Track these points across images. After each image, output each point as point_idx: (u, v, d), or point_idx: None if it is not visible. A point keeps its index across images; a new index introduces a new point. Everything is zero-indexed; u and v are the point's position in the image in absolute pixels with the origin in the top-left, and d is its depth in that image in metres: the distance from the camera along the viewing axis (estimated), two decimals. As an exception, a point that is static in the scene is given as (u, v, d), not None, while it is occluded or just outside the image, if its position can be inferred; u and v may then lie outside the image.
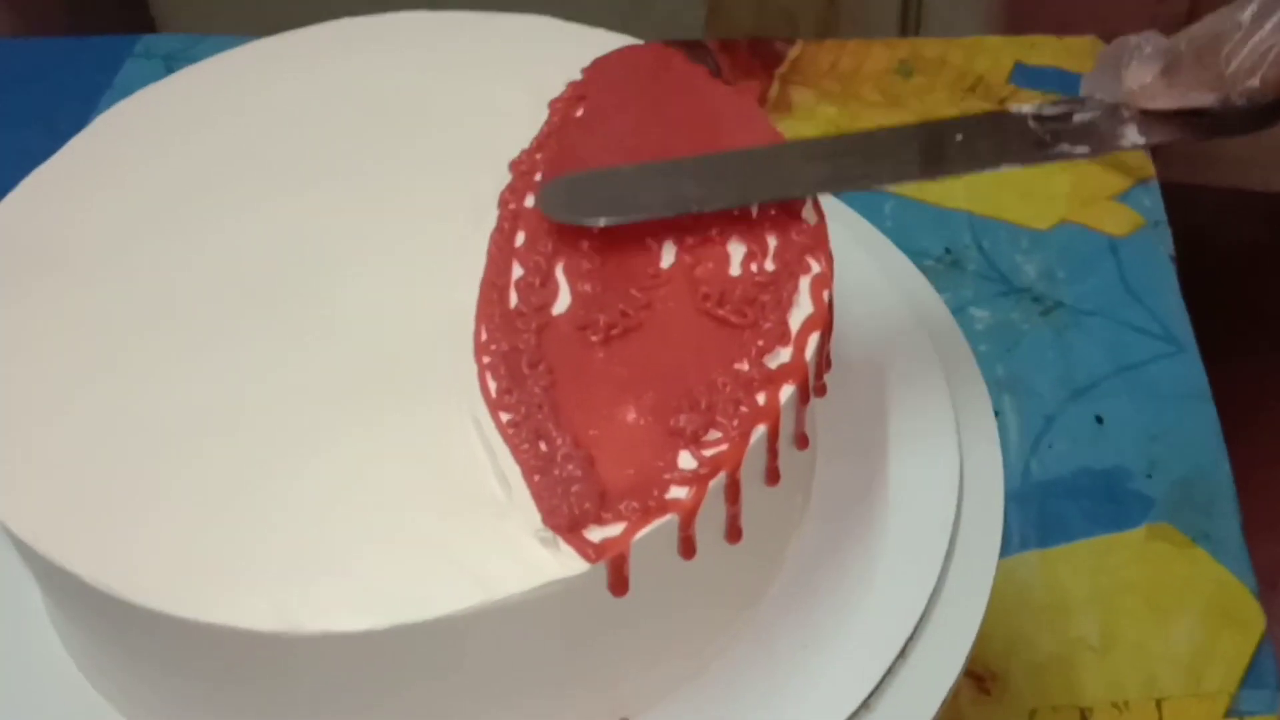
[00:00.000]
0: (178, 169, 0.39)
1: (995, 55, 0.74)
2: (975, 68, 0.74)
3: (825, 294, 0.34)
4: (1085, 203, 0.67)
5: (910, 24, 0.93)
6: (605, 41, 0.41)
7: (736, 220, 0.36)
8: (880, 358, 0.41)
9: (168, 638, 0.30)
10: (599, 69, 0.40)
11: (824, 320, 0.34)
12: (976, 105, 0.72)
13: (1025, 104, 0.37)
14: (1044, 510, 0.56)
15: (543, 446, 0.31)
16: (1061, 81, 0.73)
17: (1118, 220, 0.66)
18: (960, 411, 0.40)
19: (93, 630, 0.33)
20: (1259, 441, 1.34)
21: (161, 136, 0.40)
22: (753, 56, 0.76)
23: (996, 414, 0.59)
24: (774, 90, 0.74)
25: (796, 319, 0.34)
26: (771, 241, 0.35)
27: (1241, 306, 1.47)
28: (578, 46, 0.41)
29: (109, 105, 0.73)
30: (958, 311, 0.63)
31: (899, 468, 0.38)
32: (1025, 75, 0.73)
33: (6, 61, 0.77)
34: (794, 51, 0.76)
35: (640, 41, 0.42)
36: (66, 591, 0.31)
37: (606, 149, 0.38)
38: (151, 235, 0.37)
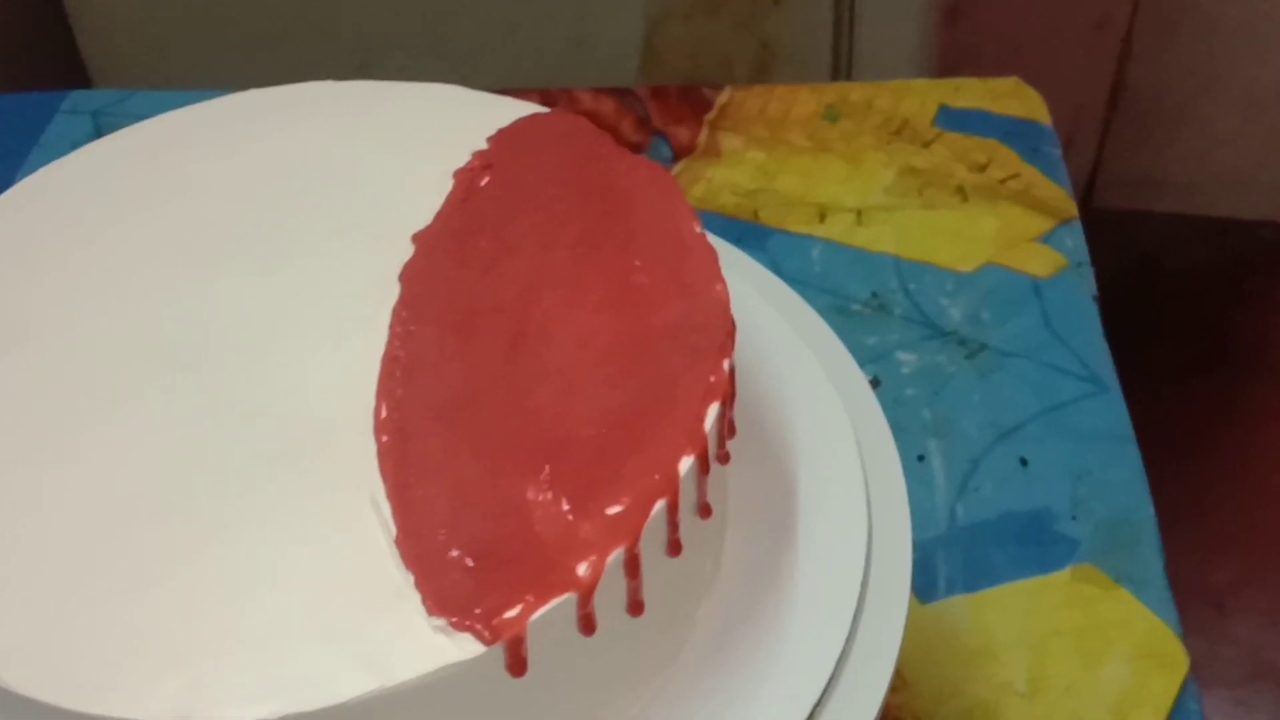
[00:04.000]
0: (82, 245, 0.39)
1: (921, 98, 0.75)
2: (901, 111, 0.74)
3: (725, 363, 0.34)
4: (1009, 244, 0.67)
5: (842, 65, 0.94)
6: (514, 110, 0.42)
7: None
8: (790, 414, 0.41)
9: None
10: (505, 138, 0.41)
11: (724, 390, 0.34)
12: (901, 148, 0.72)
13: None
14: (971, 554, 0.56)
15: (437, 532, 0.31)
16: (984, 124, 0.73)
17: (1041, 261, 0.67)
18: (870, 466, 0.40)
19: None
20: (1213, 459, 1.36)
21: (69, 213, 0.40)
22: (682, 103, 0.76)
23: (922, 458, 0.59)
24: (703, 136, 0.74)
25: (695, 389, 0.34)
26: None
27: (1192, 326, 1.49)
28: (486, 114, 0.41)
29: (37, 163, 0.73)
30: (885, 355, 0.64)
31: (808, 527, 0.38)
32: (950, 118, 0.74)
33: (-68, 120, 0.77)
34: (723, 97, 0.76)
35: (546, 109, 0.43)
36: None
37: (513, 219, 0.38)
38: (56, 311, 0.37)
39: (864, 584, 0.37)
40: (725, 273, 0.37)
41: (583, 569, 0.30)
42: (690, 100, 0.76)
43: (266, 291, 0.37)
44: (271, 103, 0.43)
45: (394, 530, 0.31)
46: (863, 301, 0.66)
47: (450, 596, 0.30)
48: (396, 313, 0.36)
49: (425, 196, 0.39)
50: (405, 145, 0.41)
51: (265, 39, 0.94)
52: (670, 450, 0.32)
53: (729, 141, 0.74)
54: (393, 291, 0.37)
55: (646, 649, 0.35)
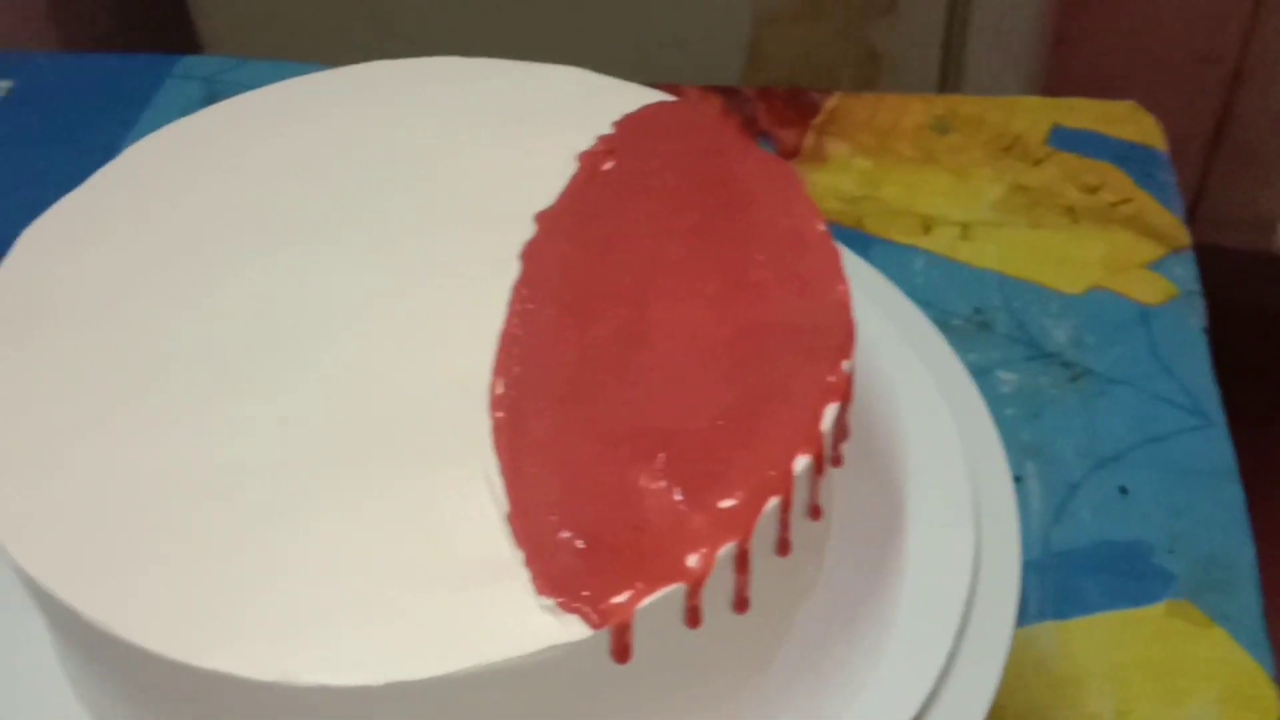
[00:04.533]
0: (193, 214, 0.39)
1: (1033, 116, 0.74)
2: (1012, 127, 0.73)
3: (845, 364, 0.34)
4: (1118, 269, 0.66)
5: (950, 80, 0.93)
6: (638, 95, 0.41)
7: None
8: (899, 424, 0.41)
9: (164, 679, 0.30)
10: (630, 124, 0.40)
11: (843, 391, 0.33)
12: (1011, 165, 0.71)
13: None
14: (1063, 580, 0.55)
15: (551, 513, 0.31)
16: (1098, 146, 0.72)
17: (1150, 289, 0.65)
18: (980, 482, 0.39)
19: (96, 670, 0.33)
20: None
21: (178, 180, 0.40)
22: (789, 106, 0.76)
23: (1019, 480, 0.58)
24: (809, 140, 0.74)
25: (815, 388, 0.33)
26: (793, 306, 0.35)
27: (1275, 372, 1.46)
28: (609, 100, 0.41)
29: (148, 126, 0.74)
30: (985, 373, 0.63)
31: (915, 539, 0.37)
32: (1062, 138, 0.73)
33: (45, 77, 0.78)
34: (831, 102, 0.75)
35: (673, 98, 0.42)
36: (71, 631, 0.31)
37: (634, 206, 0.37)
38: (163, 282, 0.37)
39: (968, 606, 0.36)
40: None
41: (693, 560, 0.30)
42: (798, 103, 0.76)
43: (387, 265, 0.37)
44: (394, 76, 0.43)
45: (506, 507, 0.31)
46: (965, 317, 0.65)
47: (559, 577, 0.30)
48: (517, 290, 0.36)
49: (548, 177, 0.39)
50: (530, 125, 0.40)
51: (377, 16, 0.94)
52: (785, 448, 0.32)
53: (835, 147, 0.73)
54: (513, 269, 0.36)
55: (745, 648, 0.34)
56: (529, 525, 0.31)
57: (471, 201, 0.38)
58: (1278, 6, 1.40)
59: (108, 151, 0.73)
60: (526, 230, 0.37)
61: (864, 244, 0.68)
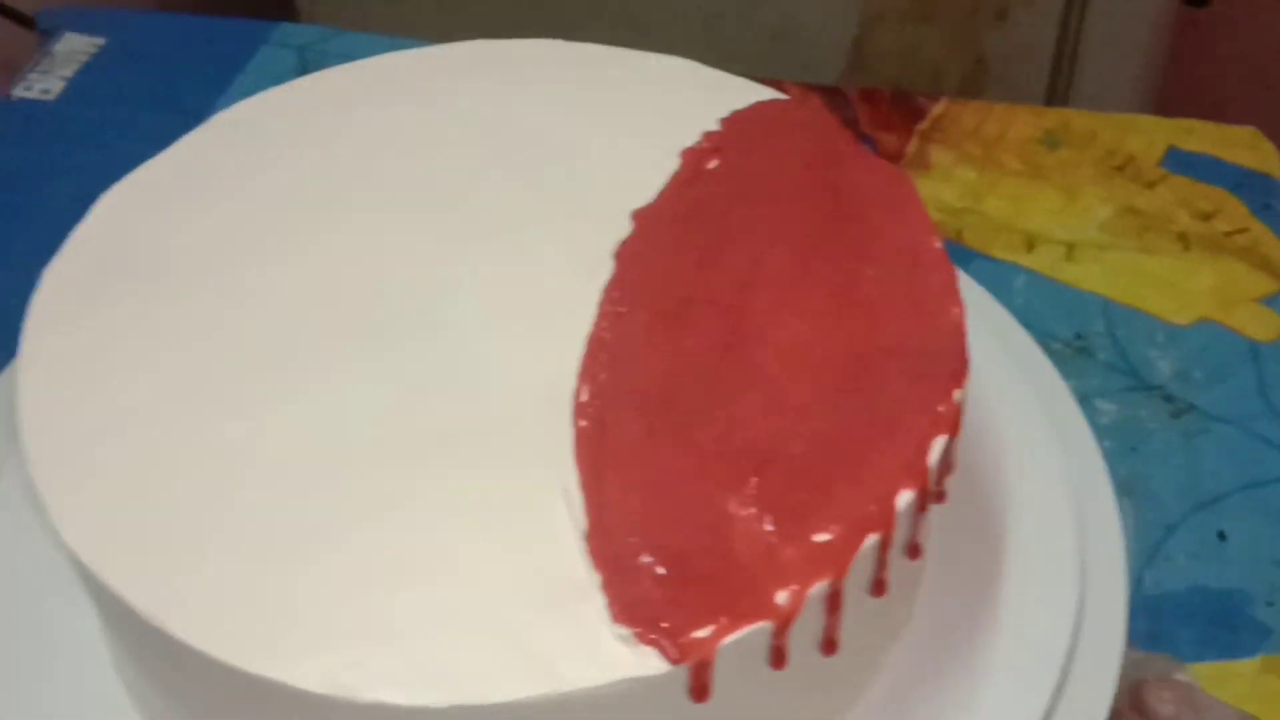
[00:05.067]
0: (288, 184, 0.37)
1: (1149, 136, 0.71)
2: (1126, 146, 0.70)
3: (956, 394, 0.32)
4: (1228, 302, 0.63)
5: (1059, 91, 0.90)
6: (746, 92, 0.39)
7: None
8: (1003, 458, 0.38)
9: (215, 681, 0.29)
10: (737, 121, 0.38)
11: (952, 423, 0.31)
12: (1122, 185, 0.68)
13: None
14: (1155, 626, 0.52)
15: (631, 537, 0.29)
16: (1214, 171, 0.69)
17: (1262, 324, 0.62)
18: (1086, 528, 0.37)
19: (146, 665, 0.31)
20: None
21: (275, 148, 0.39)
22: (894, 108, 0.73)
23: (1112, 517, 0.55)
24: (913, 146, 0.71)
25: (922, 418, 0.31)
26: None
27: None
28: (717, 95, 0.39)
29: (240, 91, 0.73)
30: (1082, 401, 0.60)
31: (1014, 585, 0.35)
32: (1178, 160, 0.70)
33: (140, 37, 0.77)
34: (937, 109, 0.73)
35: (782, 95, 0.40)
36: (123, 623, 0.30)
37: (737, 209, 0.35)
38: (252, 252, 0.36)
39: (1069, 659, 0.34)
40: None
41: (782, 598, 0.28)
42: (902, 106, 0.73)
43: (472, 256, 0.35)
44: (498, 56, 0.41)
45: (584, 524, 0.29)
46: (1065, 341, 0.62)
47: (638, 605, 0.28)
48: (607, 292, 0.34)
49: (648, 173, 0.37)
50: (632, 117, 0.38)
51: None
52: (888, 482, 0.30)
53: (939, 155, 0.70)
54: (605, 269, 0.34)
55: (829, 690, 0.32)
56: (608, 546, 0.29)
57: (568, 192, 0.36)
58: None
59: (198, 115, 0.71)
60: (623, 227, 0.35)
61: (963, 258, 0.65)
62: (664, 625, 0.27)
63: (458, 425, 0.31)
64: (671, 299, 0.34)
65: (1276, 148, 0.72)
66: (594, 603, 0.28)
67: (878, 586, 0.30)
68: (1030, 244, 0.66)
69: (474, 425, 0.31)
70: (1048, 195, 0.68)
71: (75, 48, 0.76)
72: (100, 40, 0.76)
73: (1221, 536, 0.55)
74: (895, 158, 0.70)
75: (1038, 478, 0.37)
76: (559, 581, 0.28)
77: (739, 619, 0.28)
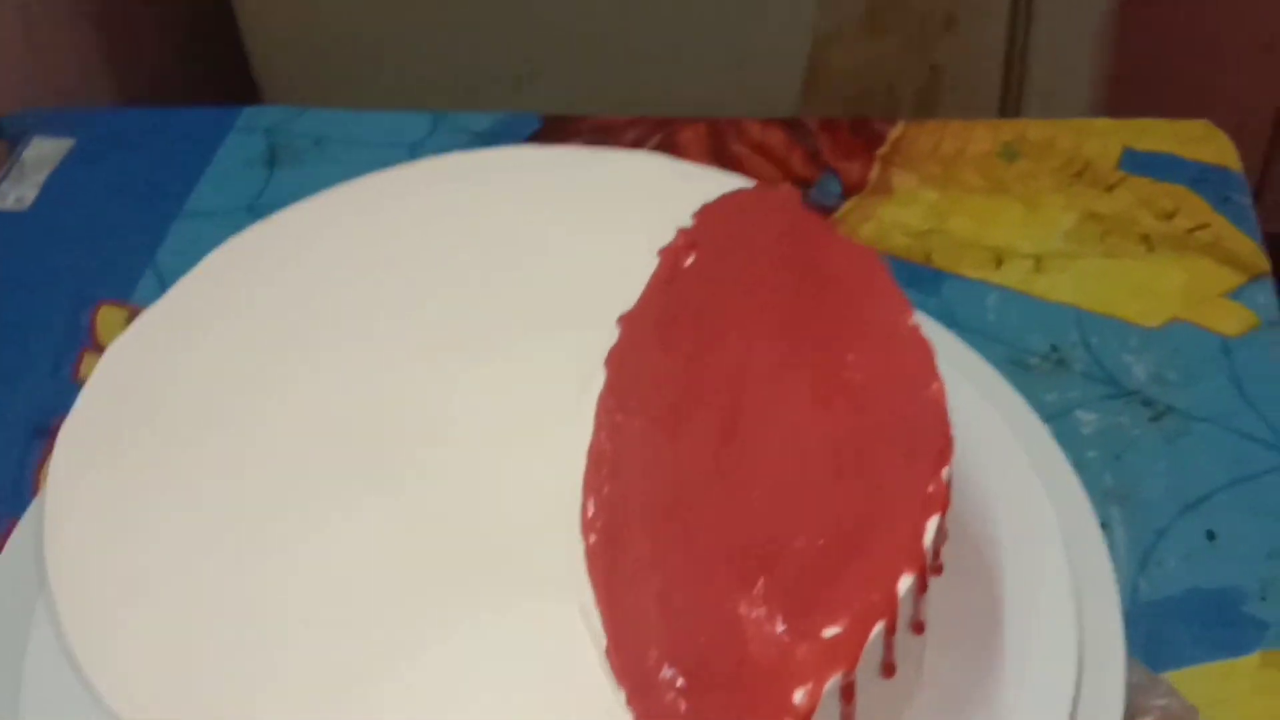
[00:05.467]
0: (282, 316, 0.39)
1: (1104, 139, 0.72)
2: (1083, 152, 0.72)
3: (944, 471, 0.33)
4: (1197, 300, 0.65)
5: (1014, 92, 0.92)
6: (718, 183, 0.41)
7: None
8: (991, 510, 0.40)
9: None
10: (711, 214, 0.40)
11: (943, 501, 0.33)
12: (1082, 191, 0.70)
13: None
14: (1154, 632, 0.54)
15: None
16: (1172, 168, 0.71)
17: (1231, 319, 0.64)
18: (1079, 574, 0.38)
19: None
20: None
21: (260, 285, 0.40)
22: (854, 136, 0.75)
23: (1104, 526, 0.57)
24: (875, 172, 0.73)
25: (913, 498, 0.33)
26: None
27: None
28: (688, 188, 0.40)
29: (212, 179, 0.74)
30: (1064, 414, 0.62)
31: (1015, 638, 0.37)
32: (1135, 161, 0.71)
33: (108, 134, 0.78)
34: (895, 132, 0.74)
35: (751, 183, 0.41)
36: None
37: (718, 304, 0.37)
38: (254, 390, 0.37)
39: (1073, 710, 0.35)
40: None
41: (799, 696, 0.29)
42: (862, 134, 0.75)
43: (464, 375, 0.36)
44: (465, 169, 0.42)
45: (604, 640, 0.31)
46: (1042, 355, 0.63)
47: (664, 718, 0.29)
48: (602, 401, 0.35)
49: (629, 275, 0.38)
50: (608, 218, 0.40)
51: (429, 55, 0.94)
52: (889, 568, 0.31)
53: (901, 179, 0.72)
54: (598, 378, 0.36)
55: None
56: (628, 660, 0.30)
57: (552, 303, 0.38)
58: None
59: (174, 208, 0.73)
60: (610, 334, 0.37)
61: (934, 280, 0.67)
62: (690, 736, 0.29)
63: (471, 554, 0.33)
64: (665, 403, 0.35)
65: (1230, 136, 0.74)
66: (621, 719, 0.29)
67: (887, 669, 0.31)
68: (999, 259, 0.68)
69: (486, 551, 0.33)
70: (1011, 208, 0.70)
71: (45, 152, 0.77)
72: (69, 142, 0.77)
73: (1211, 536, 0.57)
74: (859, 185, 0.72)
75: (1028, 530, 0.39)
76: (585, 702, 0.30)
77: (760, 720, 0.29)
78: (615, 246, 0.39)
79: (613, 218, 0.40)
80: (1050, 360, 0.63)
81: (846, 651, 0.30)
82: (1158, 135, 0.72)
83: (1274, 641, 0.53)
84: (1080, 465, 0.59)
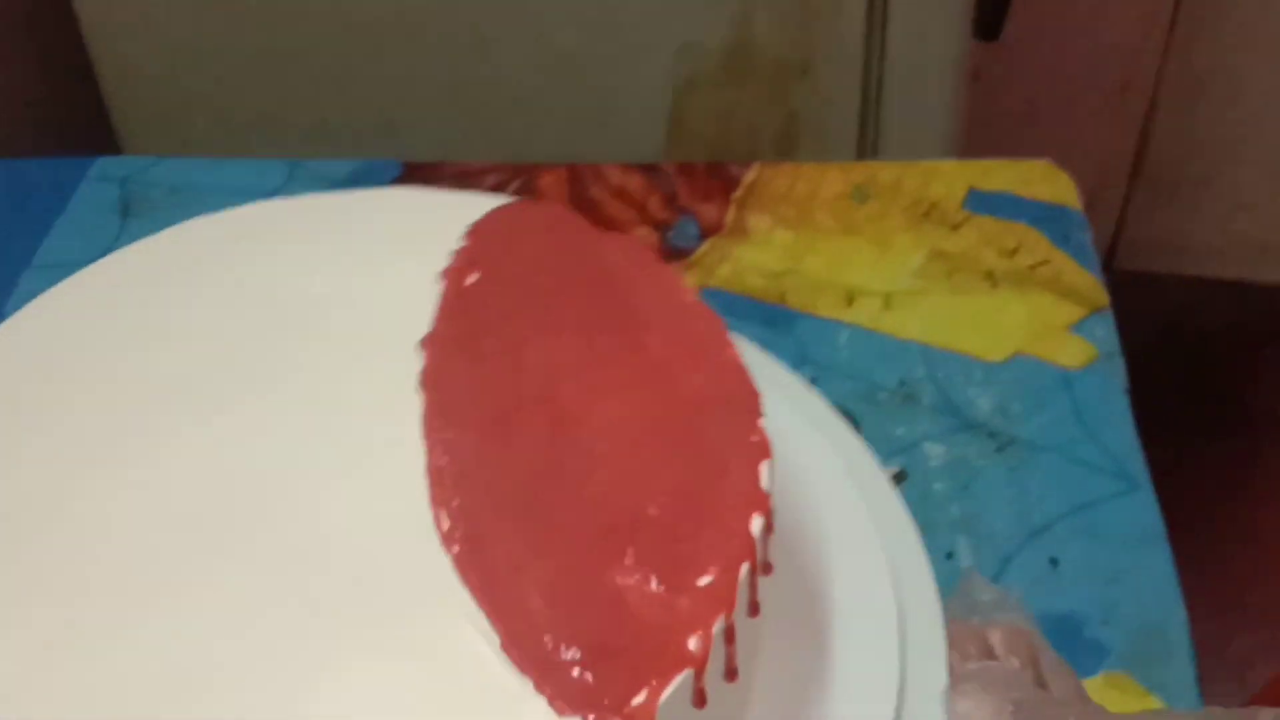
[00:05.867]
0: (80, 397, 0.38)
1: (949, 180, 0.75)
2: (929, 193, 0.74)
3: (759, 421, 0.35)
4: (1039, 334, 0.67)
5: (870, 137, 0.94)
6: (480, 203, 0.41)
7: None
8: (811, 520, 0.41)
9: None
10: (482, 231, 0.41)
11: (766, 448, 0.34)
12: (930, 231, 0.72)
13: None
14: (1000, 658, 0.55)
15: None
16: (1015, 207, 0.73)
17: (1072, 352, 0.66)
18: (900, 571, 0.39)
19: None
20: (1235, 524, 1.35)
21: (51, 364, 0.39)
22: (710, 179, 0.76)
23: (951, 556, 0.58)
24: (731, 215, 0.74)
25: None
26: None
27: (1214, 390, 1.48)
28: (453, 212, 0.41)
29: (62, 232, 0.73)
30: (912, 447, 0.63)
31: (841, 642, 0.38)
32: (979, 201, 0.73)
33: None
34: (750, 175, 0.76)
35: (513, 199, 0.42)
36: None
37: (513, 312, 0.38)
38: (81, 481, 0.36)
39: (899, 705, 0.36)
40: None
41: (693, 643, 0.31)
42: (718, 177, 0.76)
43: (286, 429, 0.36)
44: (232, 230, 0.42)
45: (496, 639, 0.31)
46: (890, 390, 0.65)
47: (575, 694, 0.30)
48: (428, 422, 0.36)
49: (417, 303, 0.39)
50: (382, 256, 0.40)
51: (291, 102, 0.94)
52: (738, 514, 0.33)
53: (756, 221, 0.73)
54: (415, 402, 0.36)
55: (730, 714, 0.34)
56: (526, 651, 0.31)
57: (351, 343, 0.38)
58: (1189, 36, 1.43)
59: (24, 259, 0.72)
60: (414, 360, 0.37)
61: (789, 320, 0.68)
62: (606, 702, 0.29)
63: (343, 594, 0.32)
64: (489, 410, 0.36)
65: (1090, 175, 0.76)
66: (535, 705, 0.30)
67: (753, 608, 0.33)
68: (850, 298, 0.69)
69: (356, 588, 0.32)
70: (862, 249, 0.72)
71: (-109, 206, 0.75)
72: (-83, 194, 0.76)
73: (1054, 562, 0.58)
74: (716, 227, 0.73)
75: (850, 537, 0.40)
76: (497, 698, 0.30)
77: (665, 674, 0.30)
78: (398, 280, 0.39)
79: (388, 253, 0.40)
80: (899, 395, 0.65)
81: (724, 595, 0.31)
82: (1001, 175, 0.75)
83: (1115, 663, 0.55)
84: (928, 497, 0.61)
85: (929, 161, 0.76)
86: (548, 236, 0.40)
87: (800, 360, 0.66)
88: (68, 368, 0.39)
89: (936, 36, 0.92)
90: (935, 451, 0.62)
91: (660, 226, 0.73)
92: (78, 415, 0.38)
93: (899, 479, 0.61)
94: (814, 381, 0.65)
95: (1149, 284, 1.55)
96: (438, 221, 0.40)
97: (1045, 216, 0.73)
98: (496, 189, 0.76)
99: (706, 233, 0.73)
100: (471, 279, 0.39)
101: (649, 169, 0.77)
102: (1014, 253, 0.71)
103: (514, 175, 0.76)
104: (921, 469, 0.61)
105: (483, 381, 0.37)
